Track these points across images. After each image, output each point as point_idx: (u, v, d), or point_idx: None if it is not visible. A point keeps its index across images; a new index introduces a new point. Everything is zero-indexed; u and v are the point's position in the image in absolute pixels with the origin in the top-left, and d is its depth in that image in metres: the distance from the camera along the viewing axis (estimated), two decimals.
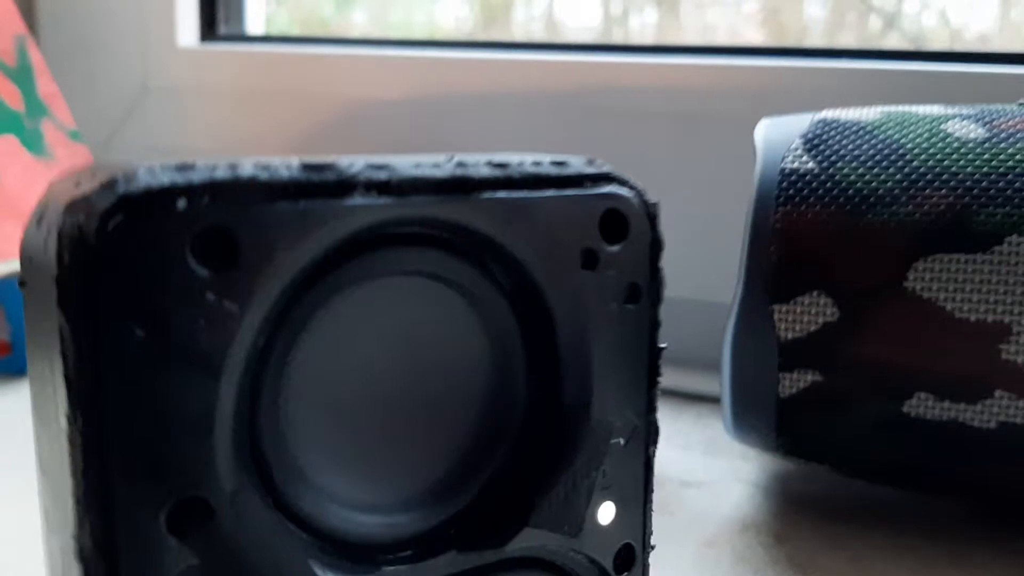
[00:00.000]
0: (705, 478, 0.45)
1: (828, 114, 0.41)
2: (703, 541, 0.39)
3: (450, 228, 0.21)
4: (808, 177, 0.38)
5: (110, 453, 0.17)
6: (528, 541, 0.22)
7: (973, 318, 0.35)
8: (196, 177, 0.18)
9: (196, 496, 0.18)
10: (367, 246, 0.20)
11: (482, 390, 0.22)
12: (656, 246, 0.23)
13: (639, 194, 0.23)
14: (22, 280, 0.20)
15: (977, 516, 0.42)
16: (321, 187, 0.19)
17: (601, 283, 0.22)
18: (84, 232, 0.17)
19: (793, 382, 0.38)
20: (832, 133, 0.40)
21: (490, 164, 0.21)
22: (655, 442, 0.24)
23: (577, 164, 0.22)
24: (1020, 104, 0.40)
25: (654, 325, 0.23)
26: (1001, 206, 0.35)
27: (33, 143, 0.65)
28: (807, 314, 0.37)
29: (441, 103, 0.69)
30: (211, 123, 0.76)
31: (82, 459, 0.17)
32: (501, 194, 0.21)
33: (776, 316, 0.38)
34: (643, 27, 0.85)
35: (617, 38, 0.85)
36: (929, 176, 0.37)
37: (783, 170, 0.39)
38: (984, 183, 0.36)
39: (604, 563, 0.23)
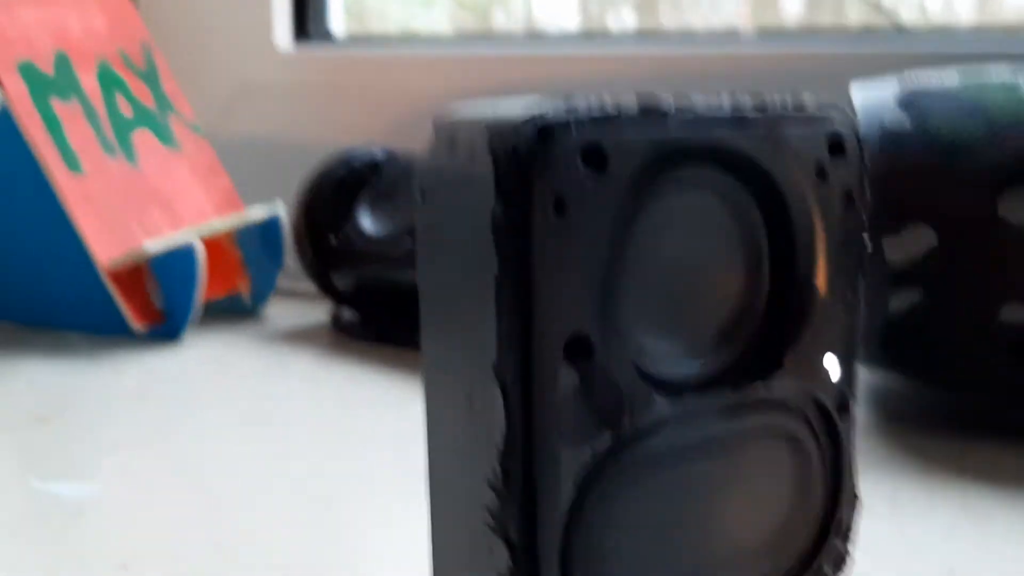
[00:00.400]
0: None
1: (914, 80, 0.49)
2: None
3: (726, 152, 0.28)
4: (905, 132, 0.46)
5: (529, 302, 0.25)
6: (780, 385, 0.29)
7: None
8: (580, 112, 0.25)
9: (582, 334, 0.25)
10: (675, 163, 0.27)
11: (740, 270, 0.29)
12: (864, 165, 0.30)
13: (854, 124, 0.30)
14: (423, 192, 0.27)
15: None
16: (652, 119, 0.26)
17: (827, 191, 0.29)
18: (519, 147, 0.24)
19: (901, 300, 0.46)
20: (921, 96, 0.47)
21: (754, 105, 0.29)
22: (861, 318, 0.31)
23: (810, 102, 0.30)
24: None
25: (862, 225, 0.31)
26: None
27: (164, 136, 0.72)
28: (913, 242, 0.45)
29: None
30: (303, 119, 0.83)
31: (509, 308, 0.24)
32: (762, 126, 0.28)
33: (886, 245, 0.45)
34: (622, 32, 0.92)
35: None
36: (1009, 127, 0.44)
37: (883, 127, 0.47)
38: None
39: (830, 406, 0.30)
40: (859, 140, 0.30)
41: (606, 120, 0.25)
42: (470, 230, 0.25)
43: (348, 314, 0.70)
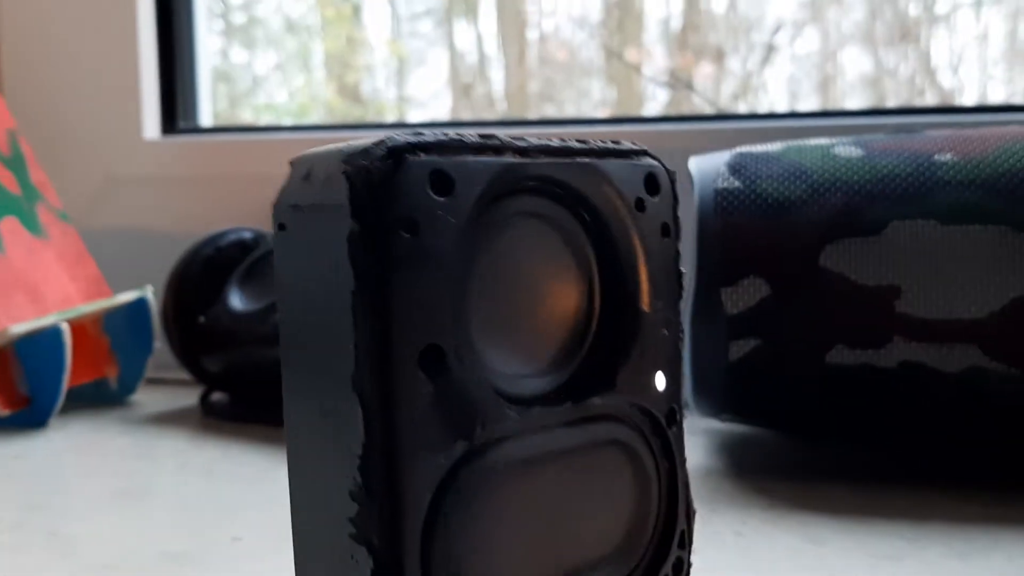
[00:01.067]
0: None
1: (743, 149, 0.53)
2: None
3: (556, 183, 0.31)
4: (736, 193, 0.50)
5: (386, 315, 0.26)
6: (615, 399, 0.32)
7: (872, 284, 0.47)
8: (429, 138, 0.27)
9: (436, 345, 0.27)
10: (511, 192, 0.30)
11: (575, 293, 0.32)
12: (676, 200, 0.34)
13: (663, 165, 0.34)
14: (281, 224, 0.29)
15: (884, 472, 0.53)
16: (491, 148, 0.29)
17: (646, 223, 0.33)
18: (371, 169, 0.26)
19: (739, 348, 0.49)
20: (749, 161, 0.52)
21: (579, 140, 0.32)
22: (682, 337, 0.34)
23: (627, 143, 0.33)
24: (885, 134, 0.53)
25: (677, 254, 0.34)
26: (882, 201, 0.48)
27: (31, 224, 0.72)
28: (747, 293, 0.49)
29: None
30: (173, 208, 0.84)
31: (365, 322, 0.26)
32: (587, 159, 0.31)
33: (724, 297, 0.49)
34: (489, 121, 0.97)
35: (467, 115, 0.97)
36: (827, 185, 0.49)
37: (716, 190, 0.51)
38: (868, 187, 0.48)
39: (660, 418, 0.33)
40: (671, 178, 0.33)
41: (450, 147, 0.28)
42: (327, 254, 0.27)
43: (218, 396, 0.71)
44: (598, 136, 0.72)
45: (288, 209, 0.29)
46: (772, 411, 0.51)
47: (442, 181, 0.27)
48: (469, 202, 0.28)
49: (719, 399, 0.51)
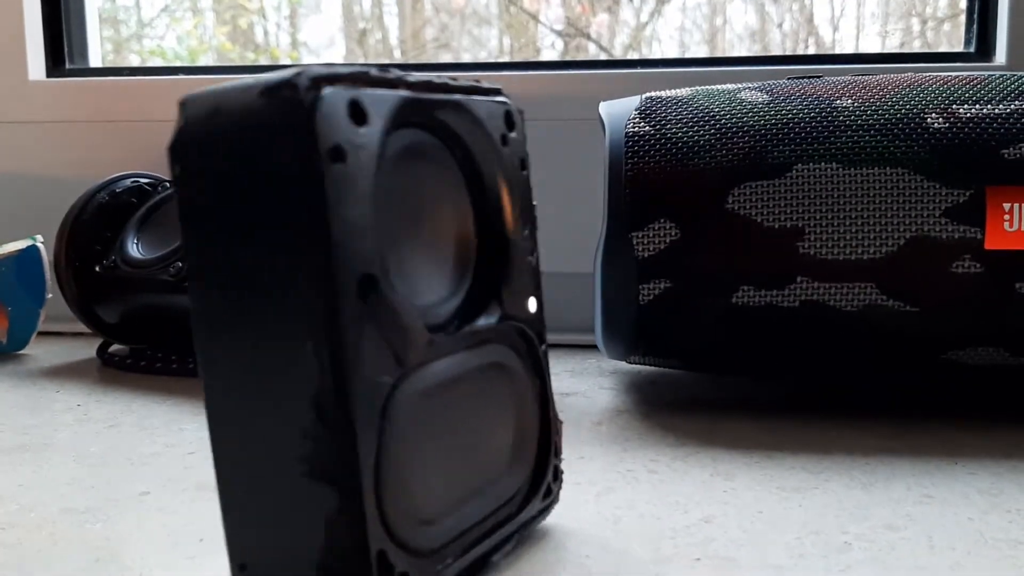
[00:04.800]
0: (579, 390, 0.57)
1: (652, 94, 0.54)
2: (592, 423, 0.50)
3: (435, 119, 0.31)
4: (647, 137, 0.51)
5: (327, 249, 0.26)
6: (501, 321, 0.33)
7: (776, 226, 0.48)
8: (341, 70, 0.27)
9: (369, 273, 0.27)
10: (406, 122, 0.30)
11: (455, 226, 0.33)
12: (525, 138, 0.35)
13: (517, 106, 0.35)
14: (185, 165, 0.28)
15: (787, 406, 0.55)
16: (388, 82, 0.29)
17: (509, 156, 0.34)
18: (301, 100, 0.26)
19: (649, 291, 0.50)
20: (658, 106, 0.52)
21: (450, 78, 0.32)
22: (539, 259, 0.36)
23: (484, 83, 0.34)
24: (788, 79, 0.54)
25: (530, 186, 0.35)
26: (787, 145, 0.49)
27: None
28: (657, 236, 0.49)
29: None
30: (62, 153, 0.80)
31: (310, 257, 0.26)
32: (459, 96, 0.32)
33: (634, 241, 0.49)
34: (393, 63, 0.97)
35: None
36: (733, 130, 0.50)
37: (627, 134, 0.51)
38: (773, 131, 0.49)
39: (534, 338, 0.34)
40: (522, 117, 0.35)
41: (359, 78, 0.28)
42: (255, 191, 0.26)
43: (116, 347, 0.69)
44: (504, 78, 0.72)
45: (193, 148, 0.28)
46: (681, 351, 0.52)
47: (358, 111, 0.28)
48: (378, 133, 0.28)
49: (629, 340, 0.52)
